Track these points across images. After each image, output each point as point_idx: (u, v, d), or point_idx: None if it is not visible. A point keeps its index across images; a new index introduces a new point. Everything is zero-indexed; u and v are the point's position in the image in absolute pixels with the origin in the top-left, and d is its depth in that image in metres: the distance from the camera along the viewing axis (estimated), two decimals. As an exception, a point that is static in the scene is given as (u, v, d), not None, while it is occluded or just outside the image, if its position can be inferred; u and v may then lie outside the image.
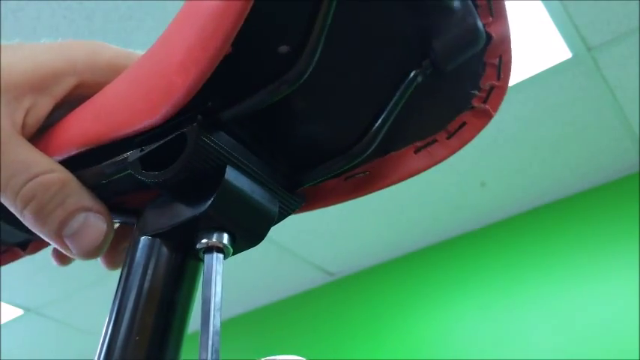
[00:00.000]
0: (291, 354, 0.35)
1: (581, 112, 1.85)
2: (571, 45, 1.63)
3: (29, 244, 0.39)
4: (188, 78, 0.24)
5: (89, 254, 0.28)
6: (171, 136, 0.27)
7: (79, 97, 0.30)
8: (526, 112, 1.82)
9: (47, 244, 0.39)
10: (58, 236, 0.28)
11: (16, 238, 0.38)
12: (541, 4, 1.51)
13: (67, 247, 0.28)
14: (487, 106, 0.32)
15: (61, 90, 0.30)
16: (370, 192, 0.35)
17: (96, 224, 0.28)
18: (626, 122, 1.89)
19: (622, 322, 1.86)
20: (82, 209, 0.28)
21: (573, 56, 1.66)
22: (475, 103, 0.32)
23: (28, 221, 0.28)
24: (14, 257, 0.40)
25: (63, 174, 0.28)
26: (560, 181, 2.13)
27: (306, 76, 0.26)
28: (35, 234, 0.37)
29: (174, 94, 0.24)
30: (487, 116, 0.32)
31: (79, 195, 0.28)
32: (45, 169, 0.28)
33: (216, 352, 0.26)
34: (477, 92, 0.32)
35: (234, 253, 0.29)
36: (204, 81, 0.24)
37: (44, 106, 0.29)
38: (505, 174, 2.08)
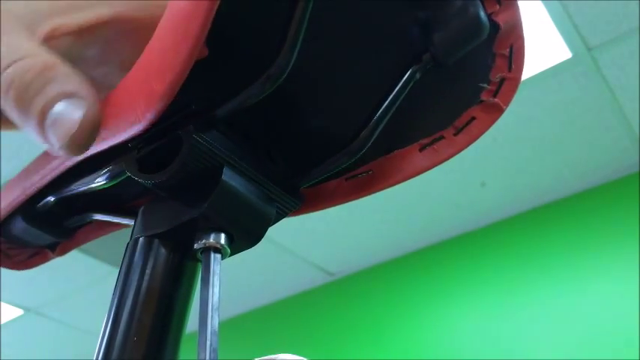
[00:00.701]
0: (291, 354, 0.35)
1: (581, 112, 1.85)
2: (571, 45, 1.63)
3: (58, 245, 0.40)
4: (164, 83, 0.23)
5: (70, 147, 0.24)
6: (166, 138, 0.27)
7: (114, 31, 0.28)
8: (526, 112, 1.82)
9: (75, 245, 0.40)
10: (41, 128, 0.24)
11: (44, 241, 0.38)
12: (541, 4, 1.51)
13: (49, 141, 0.25)
14: (497, 100, 0.31)
15: (90, 15, 0.27)
16: (373, 192, 0.34)
17: (76, 110, 0.24)
18: (626, 122, 1.89)
19: (622, 322, 1.86)
20: (64, 95, 0.24)
21: (573, 56, 1.66)
22: (484, 96, 0.31)
23: (11, 112, 0.25)
24: (44, 259, 0.40)
25: (47, 57, 0.25)
26: (560, 181, 2.13)
27: (287, 71, 0.25)
28: (63, 236, 0.38)
29: (155, 99, 0.24)
30: (498, 110, 0.31)
31: (63, 79, 0.25)
32: (28, 52, 0.25)
33: (214, 351, 0.26)
34: (486, 85, 0.30)
35: (232, 254, 0.29)
36: (180, 84, 0.24)
37: (70, 26, 0.27)
38: (505, 174, 2.08)
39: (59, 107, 0.24)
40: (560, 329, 1.97)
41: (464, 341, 2.16)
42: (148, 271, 0.28)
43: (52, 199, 0.35)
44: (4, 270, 2.29)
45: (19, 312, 2.66)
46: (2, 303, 2.56)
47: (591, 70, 1.71)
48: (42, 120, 0.24)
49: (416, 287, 2.39)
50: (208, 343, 0.26)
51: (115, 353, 0.27)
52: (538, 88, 1.75)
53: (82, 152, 0.25)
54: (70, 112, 0.24)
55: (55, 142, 0.24)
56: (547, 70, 1.70)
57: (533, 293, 2.09)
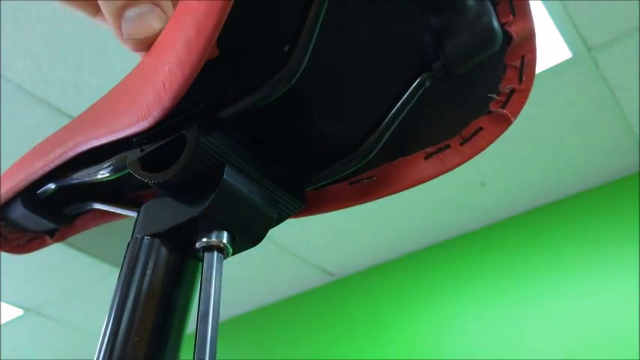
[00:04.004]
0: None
1: (581, 112, 1.85)
2: (571, 45, 1.63)
3: (56, 231, 0.40)
4: (175, 81, 0.24)
5: (137, 44, 0.28)
6: (171, 137, 0.27)
7: None
8: (526, 112, 1.82)
9: (74, 232, 0.40)
10: (117, 15, 0.28)
11: (43, 226, 0.39)
12: (541, 4, 1.51)
13: (119, 30, 0.28)
14: (506, 111, 0.30)
15: None
16: (376, 198, 0.34)
17: (156, 18, 0.27)
18: (626, 122, 1.89)
19: (622, 322, 1.86)
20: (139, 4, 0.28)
21: (573, 56, 1.66)
22: (493, 107, 0.30)
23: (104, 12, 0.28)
24: (42, 244, 0.41)
25: None
26: (560, 181, 2.13)
27: (299, 73, 0.25)
28: (61, 222, 0.38)
29: (163, 97, 0.24)
30: (506, 122, 0.30)
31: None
32: None
33: (213, 351, 0.26)
34: (495, 96, 0.30)
35: (233, 254, 0.29)
36: (189, 84, 0.24)
37: None
38: (505, 174, 2.08)
39: (142, 9, 0.27)
40: (560, 329, 1.97)
41: (464, 341, 2.16)
42: (148, 271, 0.28)
43: (52, 186, 0.35)
44: (4, 270, 2.29)
45: (19, 312, 2.66)
46: (2, 303, 2.56)
47: (591, 70, 1.71)
48: (121, 10, 0.27)
49: (416, 287, 2.39)
50: (208, 342, 0.26)
51: (115, 353, 0.26)
52: (538, 88, 1.75)
53: (143, 50, 0.28)
54: (150, 15, 0.27)
55: (126, 36, 0.28)
56: (547, 70, 1.70)
57: (533, 293, 2.09)
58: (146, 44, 0.27)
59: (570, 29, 1.59)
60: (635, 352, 1.79)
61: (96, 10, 0.34)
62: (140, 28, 0.27)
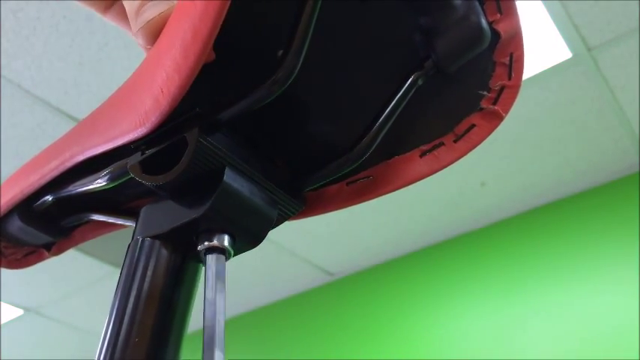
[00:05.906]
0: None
1: (581, 112, 1.85)
2: (571, 45, 1.63)
3: (53, 245, 0.40)
4: (173, 85, 0.24)
5: (147, 32, 0.30)
6: (172, 140, 0.27)
7: None
8: (526, 112, 1.82)
9: (70, 246, 0.40)
10: (137, 10, 0.31)
11: (40, 240, 0.39)
12: (541, 4, 1.51)
13: (136, 20, 0.30)
14: (497, 108, 0.31)
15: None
16: (373, 197, 0.34)
17: (166, 5, 0.30)
18: (626, 122, 1.89)
19: (622, 323, 1.86)
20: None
21: (573, 56, 1.66)
22: (484, 104, 0.31)
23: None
24: (40, 258, 0.41)
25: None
26: (560, 181, 2.13)
27: (294, 75, 0.25)
28: (59, 235, 0.39)
29: (162, 102, 0.24)
30: (497, 118, 0.31)
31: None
32: None
33: (221, 353, 0.26)
34: (486, 93, 0.31)
35: (233, 255, 0.29)
36: (187, 88, 0.24)
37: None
38: (505, 174, 2.08)
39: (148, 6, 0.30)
40: (560, 329, 1.97)
41: (463, 341, 2.16)
42: (149, 272, 0.28)
43: (49, 198, 0.35)
44: (4, 270, 2.29)
45: (19, 312, 2.66)
46: (2, 303, 2.57)
47: (591, 70, 1.71)
48: (137, 12, 0.30)
49: (416, 287, 2.39)
50: (216, 344, 0.26)
51: (116, 354, 0.27)
52: (538, 88, 1.75)
53: (150, 40, 0.30)
54: (152, 10, 0.30)
55: (136, 27, 0.30)
56: (547, 70, 1.70)
57: (533, 293, 2.09)
58: (154, 34, 0.29)
59: (570, 29, 1.59)
60: (635, 352, 1.79)
61: (105, 8, 0.35)
62: (153, 11, 0.29)
